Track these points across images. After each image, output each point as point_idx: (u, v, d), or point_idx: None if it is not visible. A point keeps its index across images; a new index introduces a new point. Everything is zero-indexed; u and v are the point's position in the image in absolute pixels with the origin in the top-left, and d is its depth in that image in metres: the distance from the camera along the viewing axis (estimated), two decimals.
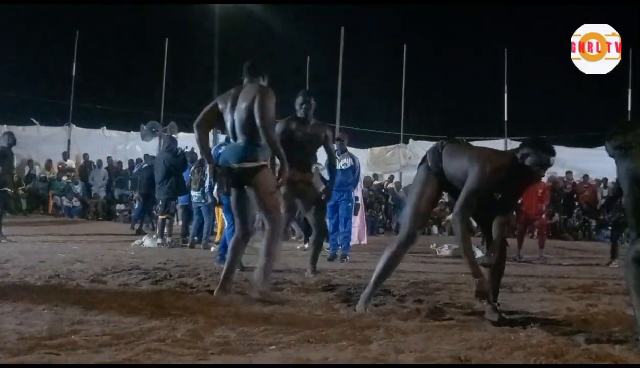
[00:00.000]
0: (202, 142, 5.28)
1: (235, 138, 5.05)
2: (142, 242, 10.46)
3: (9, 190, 10.60)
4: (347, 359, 3.21)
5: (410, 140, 21.78)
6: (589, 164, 18.99)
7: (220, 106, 5.13)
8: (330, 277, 6.71)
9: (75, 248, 9.47)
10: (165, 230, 10.75)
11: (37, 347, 3.22)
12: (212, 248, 9.67)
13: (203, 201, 10.16)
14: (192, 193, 10.51)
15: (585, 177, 18.78)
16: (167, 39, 21.77)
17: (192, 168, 10.60)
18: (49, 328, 3.66)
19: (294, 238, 12.18)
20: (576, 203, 18.34)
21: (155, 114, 21.32)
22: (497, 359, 3.30)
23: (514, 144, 15.74)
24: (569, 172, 19.03)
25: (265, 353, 3.29)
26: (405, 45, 21.70)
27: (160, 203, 11.05)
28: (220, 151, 5.96)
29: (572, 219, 17.97)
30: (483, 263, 4.38)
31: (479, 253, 5.50)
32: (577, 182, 18.88)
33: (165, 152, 11.04)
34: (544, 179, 13.22)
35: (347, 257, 8.96)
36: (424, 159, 4.68)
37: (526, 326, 4.15)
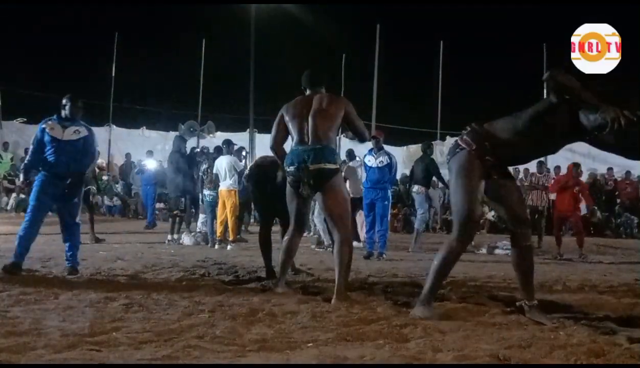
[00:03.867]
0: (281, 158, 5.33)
1: (304, 141, 5.03)
2: (181, 240, 10.60)
3: (93, 188, 10.81)
4: (384, 358, 3.20)
5: (447, 137, 21.54)
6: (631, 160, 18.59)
7: (286, 117, 5.15)
8: (367, 275, 6.70)
9: (115, 246, 9.63)
10: (176, 227, 10.92)
11: (79, 344, 3.29)
12: (229, 247, 9.83)
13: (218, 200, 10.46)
14: (206, 192, 10.64)
15: (628, 173, 18.40)
16: (204, 40, 21.98)
17: (205, 168, 10.76)
18: (91, 325, 3.74)
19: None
20: (618, 201, 17.98)
21: (194, 113, 21.55)
22: (537, 358, 3.25)
23: None
24: (610, 169, 18.66)
25: (302, 350, 3.31)
26: (441, 42, 21.53)
27: (171, 200, 11.27)
28: None
29: (613, 216, 17.61)
30: None
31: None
32: (619, 179, 18.52)
33: (174, 152, 11.14)
34: (584, 177, 13.08)
35: (384, 255, 8.94)
36: (455, 151, 4.37)
37: (566, 325, 4.08)
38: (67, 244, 6.36)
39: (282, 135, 5.25)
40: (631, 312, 4.69)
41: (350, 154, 12.29)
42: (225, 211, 10.15)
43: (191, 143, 16.27)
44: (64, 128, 6.29)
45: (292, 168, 4.98)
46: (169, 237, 10.64)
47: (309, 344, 3.42)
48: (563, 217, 10.50)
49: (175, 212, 10.90)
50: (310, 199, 5.15)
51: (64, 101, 6.36)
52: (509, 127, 4.28)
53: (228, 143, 10.74)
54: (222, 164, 10.21)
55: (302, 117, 5.05)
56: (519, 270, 4.38)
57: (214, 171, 10.35)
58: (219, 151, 10.91)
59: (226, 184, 10.12)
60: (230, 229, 10.16)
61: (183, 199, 10.91)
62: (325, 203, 5.01)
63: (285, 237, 5.34)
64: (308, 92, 5.24)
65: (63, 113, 6.35)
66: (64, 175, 6.16)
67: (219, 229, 10.27)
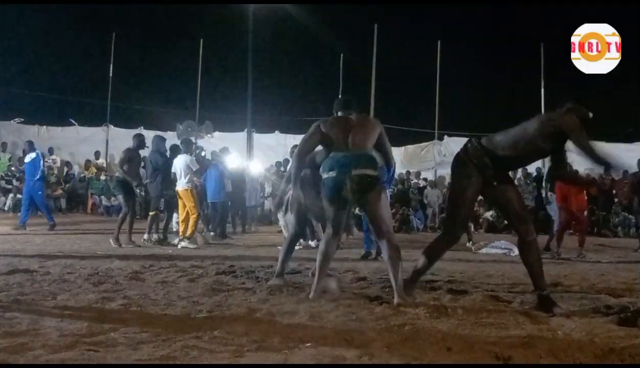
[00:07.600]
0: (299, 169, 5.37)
1: (344, 148, 5.05)
2: (175, 241, 10.60)
3: (137, 191, 10.61)
4: (383, 357, 3.20)
5: (445, 137, 21.56)
6: (628, 159, 18.57)
7: (324, 129, 5.16)
8: (364, 274, 6.69)
9: (114, 246, 9.62)
10: (153, 226, 10.94)
11: (77, 344, 3.28)
12: (182, 244, 9.96)
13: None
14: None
15: (625, 173, 18.39)
16: (201, 40, 21.96)
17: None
18: (89, 325, 3.74)
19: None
20: (615, 200, 17.99)
21: (191, 113, 21.52)
22: (537, 358, 3.25)
23: None
24: None
25: (300, 350, 3.30)
26: (439, 42, 21.52)
27: (152, 200, 11.22)
28: None
29: (611, 216, 17.62)
30: None
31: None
32: (616, 178, 18.51)
33: (153, 152, 11.08)
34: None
35: (381, 255, 8.91)
36: (458, 162, 4.93)
37: (565, 324, 4.09)
38: None
39: (311, 146, 5.32)
40: (629, 311, 4.69)
41: None
42: (186, 209, 10.24)
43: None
44: None
45: (332, 173, 5.00)
46: (145, 236, 10.61)
47: (307, 344, 3.42)
48: (573, 217, 10.47)
49: (154, 212, 10.87)
50: (348, 204, 5.16)
51: None
52: (504, 146, 4.81)
53: (187, 143, 10.83)
54: (179, 163, 10.25)
55: (343, 129, 5.13)
56: (526, 263, 4.83)
57: (172, 170, 10.41)
58: (174, 151, 10.94)
59: (181, 184, 10.18)
60: (189, 226, 10.19)
61: (162, 199, 10.94)
62: (370, 211, 5.10)
63: (323, 240, 5.35)
64: (340, 113, 5.32)
65: None
66: None
67: (181, 227, 10.38)
